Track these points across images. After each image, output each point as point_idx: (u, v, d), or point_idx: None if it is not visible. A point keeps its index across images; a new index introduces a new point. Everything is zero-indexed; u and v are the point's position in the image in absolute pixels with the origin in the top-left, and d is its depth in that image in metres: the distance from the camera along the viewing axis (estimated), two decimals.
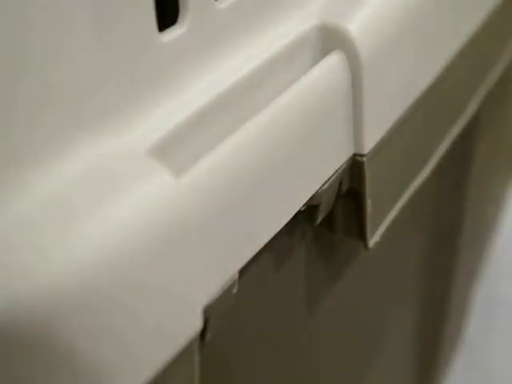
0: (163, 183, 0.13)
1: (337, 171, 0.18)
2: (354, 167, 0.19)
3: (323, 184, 0.18)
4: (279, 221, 0.16)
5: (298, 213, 0.17)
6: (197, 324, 0.13)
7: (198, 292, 0.13)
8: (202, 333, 0.14)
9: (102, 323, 0.11)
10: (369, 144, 0.18)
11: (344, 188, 0.19)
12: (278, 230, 0.16)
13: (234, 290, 0.15)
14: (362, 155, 0.18)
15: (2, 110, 0.11)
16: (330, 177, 0.18)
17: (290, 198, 0.16)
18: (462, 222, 0.35)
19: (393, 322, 0.32)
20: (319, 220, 0.18)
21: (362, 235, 0.20)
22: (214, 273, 0.14)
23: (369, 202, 0.19)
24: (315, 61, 0.17)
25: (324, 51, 0.18)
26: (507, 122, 0.38)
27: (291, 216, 0.16)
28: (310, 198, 0.17)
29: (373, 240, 0.20)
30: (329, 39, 0.17)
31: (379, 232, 0.20)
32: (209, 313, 0.14)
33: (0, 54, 0.11)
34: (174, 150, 0.14)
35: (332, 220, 0.20)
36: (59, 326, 0.11)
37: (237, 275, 0.15)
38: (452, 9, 0.22)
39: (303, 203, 0.17)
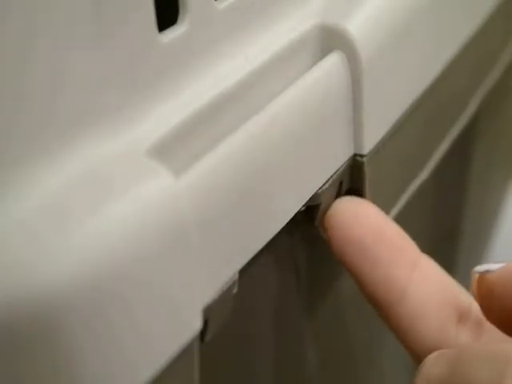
0: (163, 183, 0.13)
1: (337, 171, 0.18)
2: (354, 167, 0.19)
3: (323, 184, 0.18)
4: (279, 221, 0.16)
5: (298, 213, 0.17)
6: (197, 324, 0.13)
7: (197, 292, 0.13)
8: (202, 333, 0.14)
9: (101, 323, 0.11)
10: (369, 144, 0.18)
11: (344, 188, 0.19)
12: (278, 230, 0.16)
13: (234, 290, 0.15)
14: (362, 155, 0.18)
15: (2, 111, 0.11)
16: (331, 177, 0.18)
17: (290, 198, 0.16)
18: (462, 221, 0.35)
19: None
20: (319, 220, 0.18)
21: None
22: (214, 273, 0.14)
23: None
24: (315, 61, 0.17)
25: (324, 51, 0.18)
26: (507, 122, 0.38)
27: (291, 216, 0.16)
28: (310, 198, 0.17)
29: None
30: (329, 39, 0.17)
31: None
32: (209, 313, 0.14)
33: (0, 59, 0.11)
34: (174, 150, 0.14)
35: None
36: (60, 324, 0.11)
37: (237, 275, 0.15)
38: (452, 9, 0.22)
39: (303, 203, 0.17)
